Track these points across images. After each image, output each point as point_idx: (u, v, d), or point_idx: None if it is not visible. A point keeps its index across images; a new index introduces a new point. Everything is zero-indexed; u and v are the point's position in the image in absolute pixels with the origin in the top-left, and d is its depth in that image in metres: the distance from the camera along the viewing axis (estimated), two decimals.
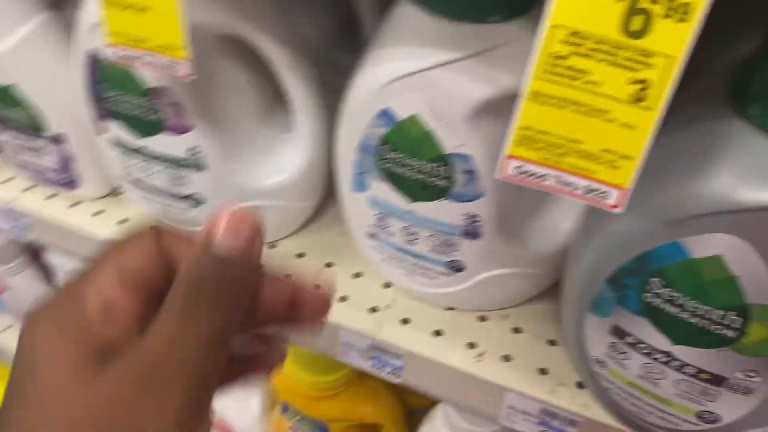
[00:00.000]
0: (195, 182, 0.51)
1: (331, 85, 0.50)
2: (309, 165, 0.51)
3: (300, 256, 0.55)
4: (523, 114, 0.27)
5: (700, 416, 0.38)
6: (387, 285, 0.53)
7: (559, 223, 0.45)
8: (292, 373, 0.63)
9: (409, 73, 0.38)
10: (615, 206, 0.28)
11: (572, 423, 0.45)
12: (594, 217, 0.39)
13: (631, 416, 0.42)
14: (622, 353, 0.39)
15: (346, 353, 0.51)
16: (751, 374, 0.35)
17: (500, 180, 0.39)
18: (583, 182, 0.27)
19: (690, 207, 0.31)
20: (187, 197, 0.52)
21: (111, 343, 0.23)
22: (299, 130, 0.50)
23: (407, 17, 0.40)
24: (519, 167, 0.28)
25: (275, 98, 0.52)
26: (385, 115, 0.41)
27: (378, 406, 0.66)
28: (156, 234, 0.26)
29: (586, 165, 0.27)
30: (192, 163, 0.49)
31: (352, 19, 0.58)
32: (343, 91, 0.45)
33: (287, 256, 0.55)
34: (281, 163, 0.52)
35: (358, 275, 0.53)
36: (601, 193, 0.27)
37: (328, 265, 0.54)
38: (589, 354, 0.41)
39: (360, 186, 0.46)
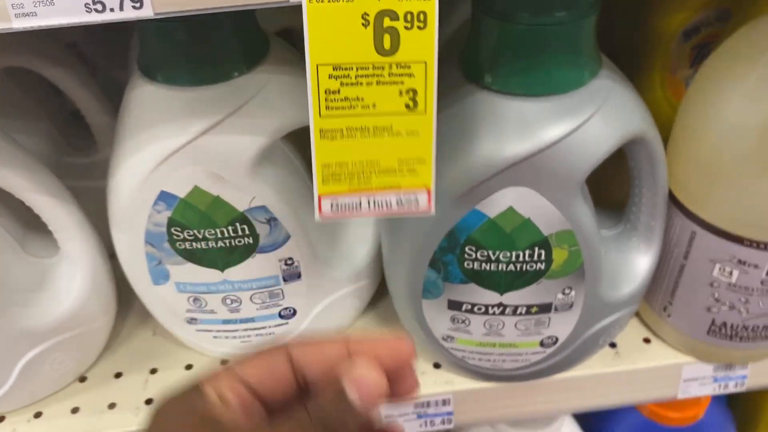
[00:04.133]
0: None
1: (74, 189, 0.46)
2: (91, 283, 0.46)
3: (118, 376, 0.50)
4: (318, 153, 0.28)
5: (542, 344, 0.44)
6: (224, 362, 0.50)
7: (364, 233, 0.47)
8: None
9: (176, 149, 0.37)
10: (427, 209, 0.30)
11: (444, 402, 0.48)
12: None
13: (489, 372, 0.46)
14: (463, 322, 0.43)
15: None
16: (567, 291, 0.40)
17: (300, 217, 0.40)
18: (393, 197, 0.29)
19: (473, 176, 0.35)
20: None
21: None
22: (66, 250, 0.45)
23: (149, 96, 0.38)
24: (333, 203, 0.29)
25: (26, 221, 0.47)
26: (163, 198, 0.39)
27: None
28: (286, 351, 0.28)
29: (389, 181, 0.29)
30: None
31: (76, 116, 0.54)
32: (98, 194, 0.42)
33: (104, 382, 0.49)
34: (59, 292, 0.46)
35: (189, 367, 0.50)
36: (411, 201, 0.30)
37: (153, 371, 0.50)
38: (435, 335, 0.45)
39: (161, 277, 0.44)
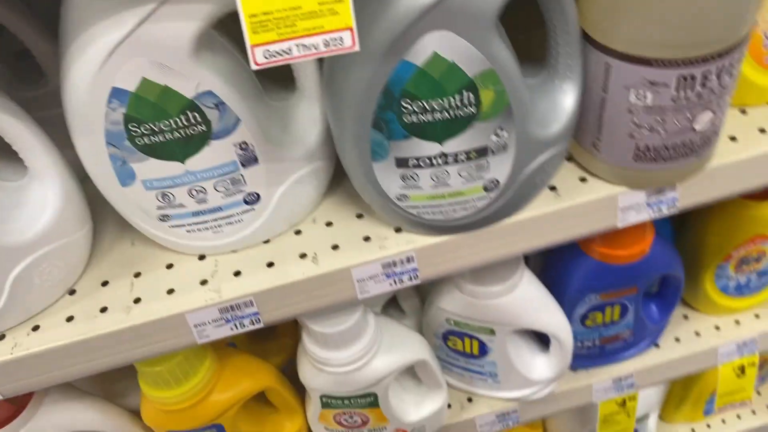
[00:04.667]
0: None
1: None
2: (63, 196, 0.49)
3: (104, 284, 0.53)
4: (244, 5, 0.31)
5: (486, 188, 0.48)
6: (201, 257, 0.54)
7: (313, 114, 0.50)
8: (156, 400, 0.62)
9: (117, 42, 0.39)
10: (352, 46, 0.33)
11: (409, 260, 0.52)
12: (332, 88, 0.45)
13: (444, 224, 0.50)
14: (412, 178, 0.47)
15: (203, 334, 0.52)
16: (500, 132, 0.44)
17: (247, 100, 0.42)
18: (319, 39, 0.32)
19: (394, 25, 0.38)
20: None
21: None
22: (33, 169, 0.48)
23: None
24: (265, 52, 0.32)
25: None
26: (116, 94, 0.41)
27: (252, 375, 0.68)
28: None
29: (314, 24, 0.32)
30: None
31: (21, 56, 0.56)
32: (53, 122, 0.44)
33: (92, 291, 0.53)
34: (34, 209, 0.49)
35: (170, 266, 0.54)
36: (336, 40, 0.33)
37: (137, 275, 0.54)
38: (390, 196, 0.48)
39: (127, 177, 0.46)
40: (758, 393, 1.06)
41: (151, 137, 0.44)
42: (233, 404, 0.65)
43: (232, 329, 0.52)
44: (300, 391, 0.73)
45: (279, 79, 0.51)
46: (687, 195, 0.54)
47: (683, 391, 0.97)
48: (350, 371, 0.63)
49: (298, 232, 0.54)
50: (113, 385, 0.75)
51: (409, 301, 0.77)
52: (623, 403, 0.80)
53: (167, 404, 0.62)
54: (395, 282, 0.53)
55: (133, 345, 0.51)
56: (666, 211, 0.55)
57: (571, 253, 0.67)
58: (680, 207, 0.55)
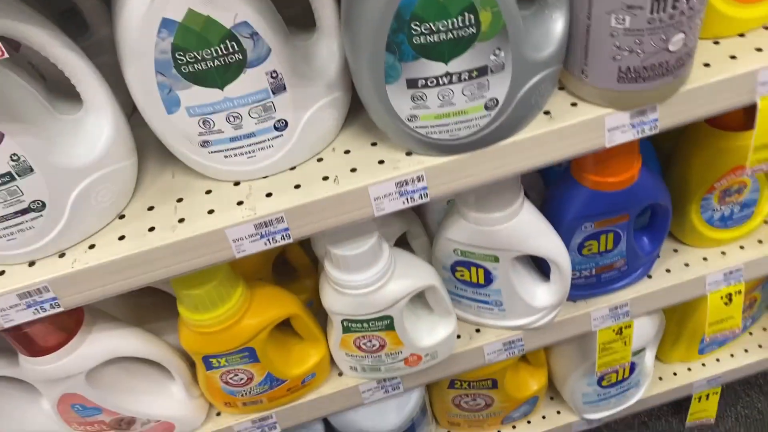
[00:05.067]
0: (30, 189, 0.53)
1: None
2: (114, 126, 0.56)
3: (150, 209, 0.60)
4: None
5: (486, 107, 0.54)
6: (236, 183, 0.61)
7: (332, 48, 0.57)
8: (194, 324, 0.68)
9: None
10: None
11: (419, 179, 0.59)
12: (349, 20, 0.52)
13: (450, 143, 0.57)
14: (421, 98, 0.53)
15: (241, 248, 0.59)
16: (498, 52, 0.51)
17: (277, 34, 0.49)
18: None
19: None
20: (26, 209, 0.54)
21: None
22: (88, 100, 0.55)
23: None
24: None
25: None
26: (165, 24, 0.48)
27: (280, 302, 0.74)
28: None
29: None
30: (19, 170, 0.51)
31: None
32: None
33: (140, 215, 0.60)
34: (91, 137, 0.55)
35: (209, 192, 0.60)
36: None
37: (179, 200, 0.60)
38: (401, 117, 0.55)
39: (173, 104, 0.53)
40: (750, 333, 1.13)
41: (195, 65, 0.50)
42: (263, 328, 0.72)
43: (265, 244, 0.59)
44: (322, 325, 0.80)
45: (302, 25, 0.58)
46: (666, 116, 0.60)
47: (678, 329, 1.03)
48: (368, 293, 0.69)
49: (320, 160, 0.61)
50: (152, 325, 0.82)
51: (419, 239, 0.84)
52: (620, 331, 0.86)
53: (204, 327, 0.69)
54: (408, 200, 0.60)
55: (179, 259, 0.58)
56: (648, 131, 0.61)
57: (567, 184, 0.74)
58: (661, 127, 0.61)
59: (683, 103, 0.60)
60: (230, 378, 0.75)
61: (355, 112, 0.63)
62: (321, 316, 0.79)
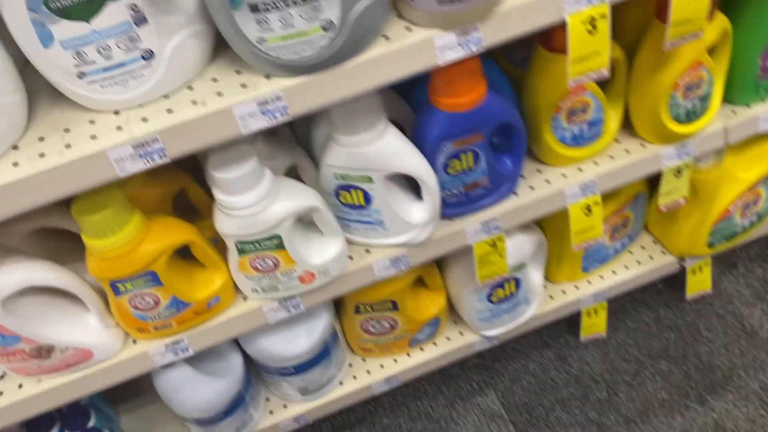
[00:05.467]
0: None
1: None
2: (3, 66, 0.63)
3: (41, 139, 0.68)
4: None
5: (324, 28, 0.64)
6: (116, 112, 0.69)
7: None
8: (97, 250, 0.76)
9: None
10: None
11: (278, 98, 0.68)
12: None
13: (299, 64, 0.66)
14: (264, 22, 0.62)
15: (123, 169, 0.67)
16: None
17: None
18: None
19: None
20: None
21: None
22: None
23: None
24: None
25: None
26: None
27: (177, 229, 0.82)
28: None
29: None
30: None
31: None
32: None
33: (31, 144, 0.67)
34: None
35: (92, 121, 0.68)
36: None
37: (67, 130, 0.68)
38: (252, 41, 0.64)
39: (47, 39, 0.61)
40: (630, 252, 1.25)
41: (62, 1, 0.58)
42: (162, 252, 0.80)
43: (145, 163, 0.67)
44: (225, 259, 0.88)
45: None
46: (489, 34, 0.71)
47: (559, 248, 1.15)
48: (253, 214, 0.78)
49: (190, 88, 0.69)
50: (69, 266, 0.89)
51: (308, 173, 0.93)
52: (493, 244, 0.97)
53: (106, 252, 0.77)
54: (271, 118, 0.69)
55: (69, 180, 0.66)
56: (474, 48, 0.71)
57: (426, 110, 0.84)
58: (485, 45, 0.71)
59: (502, 22, 0.70)
60: (138, 302, 0.83)
61: (224, 46, 0.71)
62: (225, 251, 0.87)
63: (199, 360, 1.02)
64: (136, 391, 1.22)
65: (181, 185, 0.90)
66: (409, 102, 0.94)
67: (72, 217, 0.86)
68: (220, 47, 0.71)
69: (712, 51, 0.92)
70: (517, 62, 1.04)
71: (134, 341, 0.91)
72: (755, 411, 1.16)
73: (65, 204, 0.83)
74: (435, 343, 1.19)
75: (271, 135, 0.92)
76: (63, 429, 1.06)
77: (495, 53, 1.05)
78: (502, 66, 0.99)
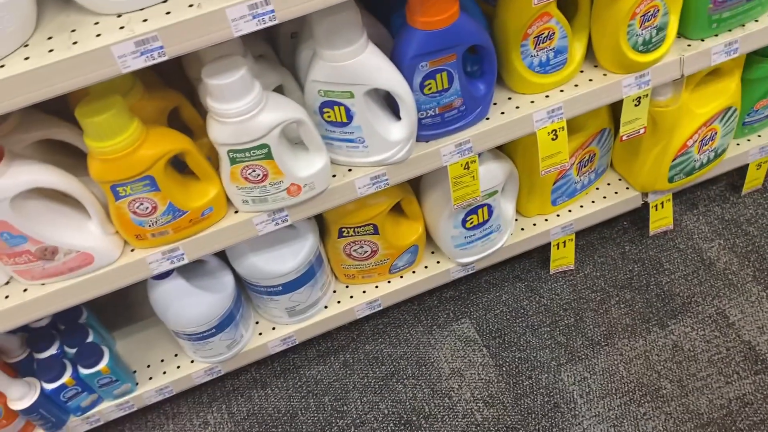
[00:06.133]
0: None
1: None
2: None
3: (49, 38, 0.74)
4: None
5: None
6: (119, 15, 0.75)
7: None
8: (98, 152, 0.82)
9: None
10: None
11: (266, 2, 0.74)
12: None
13: None
14: None
15: (125, 65, 0.74)
16: None
17: None
18: None
19: None
20: None
21: None
22: None
23: None
24: None
25: None
26: None
27: (174, 138, 0.88)
28: None
29: None
30: None
31: None
32: None
33: (41, 42, 0.73)
34: None
35: (96, 23, 0.75)
36: None
37: (73, 31, 0.74)
38: None
39: None
40: (597, 188, 1.34)
41: None
42: (160, 157, 0.87)
43: (146, 60, 0.74)
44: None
45: None
46: None
47: (529, 181, 1.23)
48: (244, 120, 0.85)
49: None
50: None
51: (294, 95, 1.00)
52: (467, 166, 1.05)
53: (107, 154, 0.83)
54: (260, 22, 0.75)
55: (76, 73, 0.72)
56: None
57: (404, 30, 0.91)
58: None
59: None
60: (137, 207, 0.90)
61: None
62: (218, 169, 0.94)
63: (193, 276, 1.09)
64: (131, 316, 1.29)
65: (176, 103, 0.96)
66: (389, 29, 1.01)
67: (74, 131, 0.93)
68: None
69: None
70: (491, 1, 1.11)
71: (132, 250, 0.97)
72: (711, 333, 1.25)
73: (68, 119, 0.90)
74: (414, 271, 1.27)
75: (259, 57, 0.99)
76: (63, 345, 1.12)
77: None
78: (477, 2, 1.06)
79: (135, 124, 0.84)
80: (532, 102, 1.05)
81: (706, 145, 1.24)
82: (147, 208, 0.90)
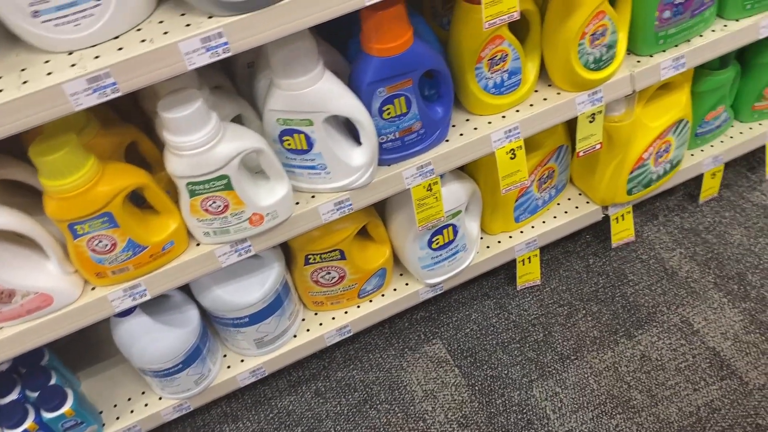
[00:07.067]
0: None
1: None
2: None
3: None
4: None
5: None
6: (70, 53, 0.74)
7: None
8: (54, 191, 0.80)
9: None
10: None
11: (219, 35, 0.75)
12: None
13: (236, 2, 0.73)
14: None
15: (78, 102, 0.73)
16: None
17: None
18: None
19: None
20: None
21: None
22: None
23: None
24: None
25: None
26: None
27: (131, 174, 0.87)
28: None
29: None
30: None
31: None
32: None
33: None
34: None
35: (47, 61, 0.74)
36: None
37: (23, 70, 0.73)
38: None
39: None
40: (558, 204, 1.36)
41: None
42: (117, 193, 0.86)
43: (98, 97, 0.73)
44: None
45: None
46: None
47: (492, 199, 1.24)
48: (201, 152, 0.85)
49: (138, 29, 0.76)
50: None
51: (253, 122, 1.00)
52: (429, 188, 1.06)
53: (62, 193, 0.82)
54: (214, 54, 0.75)
55: (28, 113, 0.71)
56: None
57: (360, 57, 0.92)
58: None
59: None
60: (96, 245, 0.89)
61: None
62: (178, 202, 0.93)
63: (156, 311, 1.07)
64: (96, 355, 1.26)
65: (132, 137, 0.96)
66: (345, 56, 1.02)
67: (29, 170, 0.92)
68: None
69: (614, 2, 1.03)
70: (444, 24, 1.14)
71: (93, 288, 0.95)
72: (677, 341, 1.27)
73: (22, 158, 0.88)
74: (383, 294, 1.26)
75: (216, 88, 0.98)
76: (24, 389, 1.09)
77: (425, 14, 1.14)
78: (431, 27, 1.08)
79: (91, 161, 0.83)
80: (490, 123, 1.07)
81: (661, 157, 1.27)
82: (106, 245, 0.89)
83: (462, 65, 1.01)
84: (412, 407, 1.25)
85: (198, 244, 0.98)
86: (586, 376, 1.24)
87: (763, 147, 1.44)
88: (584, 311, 1.34)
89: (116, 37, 0.75)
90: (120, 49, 0.73)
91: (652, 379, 1.22)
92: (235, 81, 1.06)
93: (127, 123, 0.98)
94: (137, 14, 0.76)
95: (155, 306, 1.08)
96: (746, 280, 1.34)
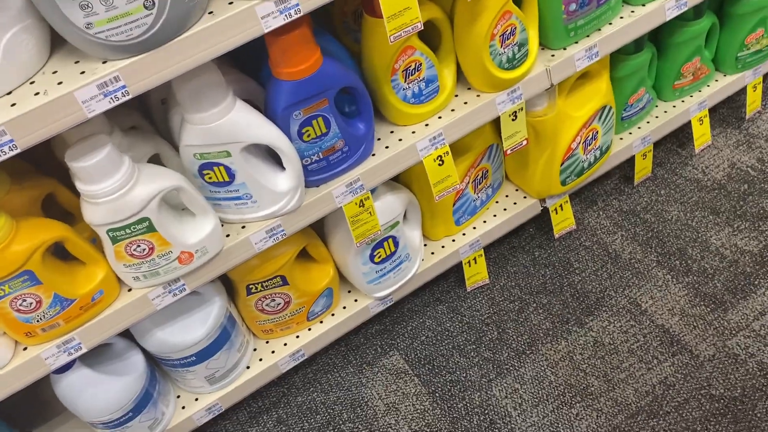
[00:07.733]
0: None
1: None
2: None
3: None
4: None
5: (145, 6, 0.70)
6: None
7: None
8: None
9: None
10: None
11: (116, 79, 0.73)
12: None
13: (128, 42, 0.72)
14: (88, 6, 0.68)
15: None
16: None
17: None
18: None
19: None
20: None
21: None
22: None
23: None
24: None
25: None
26: None
27: (47, 228, 0.85)
28: None
29: None
30: None
31: None
32: None
33: None
34: None
35: None
36: None
37: None
38: (80, 26, 0.69)
39: None
40: (497, 202, 1.37)
41: None
42: (34, 251, 0.83)
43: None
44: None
45: None
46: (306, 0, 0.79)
47: (429, 206, 1.24)
48: (117, 198, 0.83)
49: (32, 82, 0.74)
50: None
51: (173, 161, 0.98)
52: (361, 203, 1.05)
53: None
54: (112, 99, 0.74)
55: None
56: (294, 14, 0.79)
57: (271, 83, 0.91)
58: (303, 10, 0.79)
59: None
60: (20, 305, 0.86)
61: (61, 42, 0.76)
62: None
63: (99, 361, 1.04)
64: (46, 412, 1.22)
65: (49, 189, 0.93)
66: (259, 81, 1.01)
67: None
68: (57, 43, 0.76)
69: (519, 1, 1.04)
70: (358, 39, 1.13)
71: (25, 348, 0.92)
72: (627, 323, 1.29)
73: None
74: (333, 314, 1.25)
75: (131, 128, 0.96)
76: None
77: (337, 29, 1.14)
78: (345, 43, 1.08)
79: (2, 220, 0.80)
80: (414, 132, 1.07)
81: (590, 145, 1.29)
82: (31, 303, 0.86)
83: (377, 79, 1.01)
84: (375, 422, 1.24)
85: (129, 290, 0.96)
86: (543, 368, 1.25)
87: (689, 123, 1.47)
88: (535, 304, 1.35)
89: (9, 93, 0.73)
90: (13, 105, 0.71)
91: (607, 364, 1.24)
92: (152, 119, 1.04)
93: (46, 171, 0.95)
94: (29, 67, 0.74)
95: (96, 356, 1.05)
96: (687, 255, 1.37)
